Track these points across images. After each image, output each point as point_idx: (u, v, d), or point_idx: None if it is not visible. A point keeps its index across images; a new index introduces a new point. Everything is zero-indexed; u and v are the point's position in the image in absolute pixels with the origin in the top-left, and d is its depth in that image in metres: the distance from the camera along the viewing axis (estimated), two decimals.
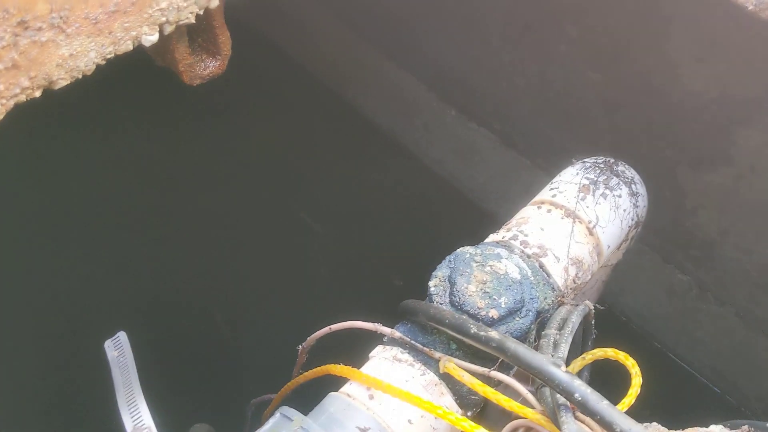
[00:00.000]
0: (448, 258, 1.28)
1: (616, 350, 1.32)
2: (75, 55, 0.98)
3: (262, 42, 2.97)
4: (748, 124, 2.33)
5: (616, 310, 3.11)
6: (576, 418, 1.04)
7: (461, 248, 1.29)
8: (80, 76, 1.01)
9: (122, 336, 1.20)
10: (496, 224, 3.07)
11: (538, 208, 1.42)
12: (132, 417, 1.11)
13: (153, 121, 2.26)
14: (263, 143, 2.51)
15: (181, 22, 1.07)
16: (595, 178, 1.44)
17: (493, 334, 1.09)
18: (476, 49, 2.95)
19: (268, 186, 2.55)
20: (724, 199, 2.59)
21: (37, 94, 0.98)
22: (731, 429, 1.23)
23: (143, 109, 2.19)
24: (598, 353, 1.33)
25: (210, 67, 1.28)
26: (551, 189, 1.46)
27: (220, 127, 2.30)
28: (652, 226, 2.71)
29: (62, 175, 2.15)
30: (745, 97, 2.25)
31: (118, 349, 1.18)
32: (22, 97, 0.96)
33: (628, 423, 0.95)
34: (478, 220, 3.23)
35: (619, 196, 1.44)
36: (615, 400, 1.20)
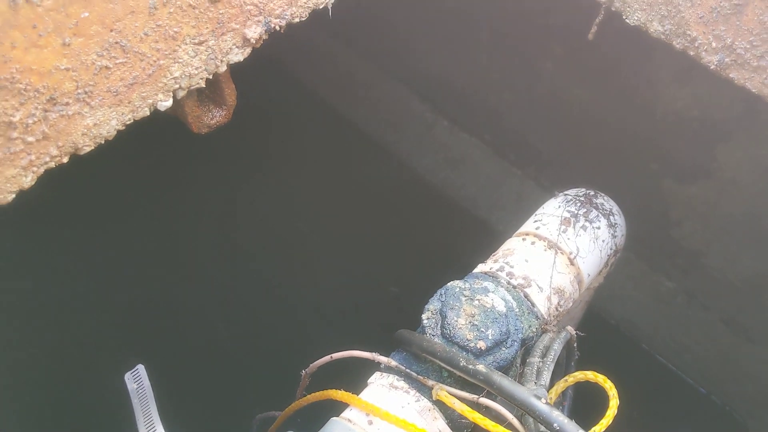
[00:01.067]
0: (439, 291, 1.38)
1: (596, 373, 1.43)
2: (98, 124, 1.08)
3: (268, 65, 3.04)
4: (728, 141, 2.43)
5: (605, 315, 3.21)
6: None
7: (451, 282, 1.39)
8: (103, 142, 1.11)
9: (141, 369, 1.30)
10: (487, 231, 3.15)
11: (523, 240, 1.53)
12: None
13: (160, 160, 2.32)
14: (263, 160, 2.59)
15: (192, 87, 1.17)
16: (576, 211, 1.54)
17: (481, 367, 1.20)
18: (467, 65, 3.05)
19: (265, 198, 2.63)
20: (707, 211, 2.70)
21: (65, 160, 1.08)
22: None
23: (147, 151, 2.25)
24: (579, 376, 1.45)
25: (217, 116, 1.38)
26: (535, 221, 1.56)
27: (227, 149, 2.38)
28: (640, 236, 2.83)
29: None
30: (724, 117, 2.35)
31: (137, 381, 1.29)
32: (52, 164, 1.07)
33: None
34: (470, 227, 3.33)
35: (598, 228, 1.54)
36: (601, 412, 1.31)
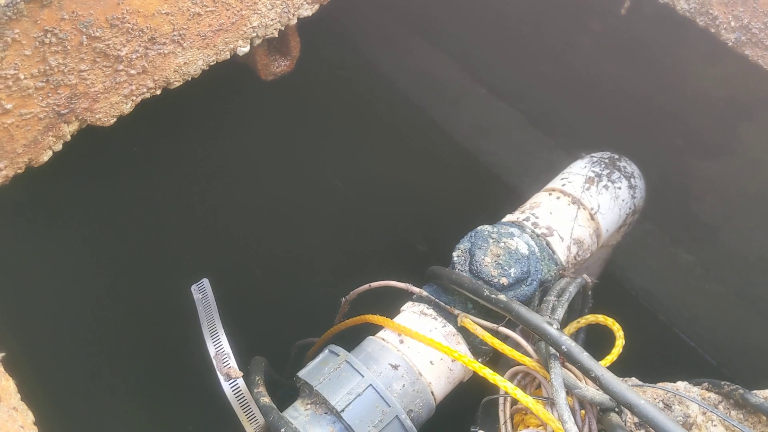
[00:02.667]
0: (469, 233, 1.55)
1: (606, 316, 1.59)
2: (188, 63, 1.26)
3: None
4: (751, 122, 2.53)
5: (625, 284, 3.34)
6: (563, 367, 1.32)
7: (481, 226, 1.56)
8: (189, 79, 1.29)
9: (205, 282, 1.49)
10: (517, 197, 3.30)
11: (549, 194, 1.69)
12: (214, 345, 1.41)
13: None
14: (306, 119, 2.74)
15: (267, 36, 1.34)
16: (600, 171, 1.70)
17: (502, 297, 1.37)
18: (507, 37, 3.16)
19: (307, 157, 2.79)
20: (727, 188, 2.81)
21: (158, 92, 1.26)
22: (694, 385, 1.50)
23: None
24: (591, 318, 1.61)
25: (282, 65, 1.55)
26: (561, 179, 1.72)
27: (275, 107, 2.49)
28: (662, 208, 2.97)
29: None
30: (749, 98, 2.45)
31: (202, 292, 1.48)
32: (147, 95, 1.25)
33: (601, 369, 1.23)
34: (502, 193, 3.46)
35: (619, 188, 1.69)
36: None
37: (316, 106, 2.69)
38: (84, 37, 1.11)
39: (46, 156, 1.18)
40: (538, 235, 1.60)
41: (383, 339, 1.48)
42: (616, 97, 2.91)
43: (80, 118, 1.18)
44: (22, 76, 1.08)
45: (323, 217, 2.82)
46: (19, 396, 0.95)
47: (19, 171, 1.16)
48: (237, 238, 2.36)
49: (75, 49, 1.11)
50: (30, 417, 0.93)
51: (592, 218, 1.65)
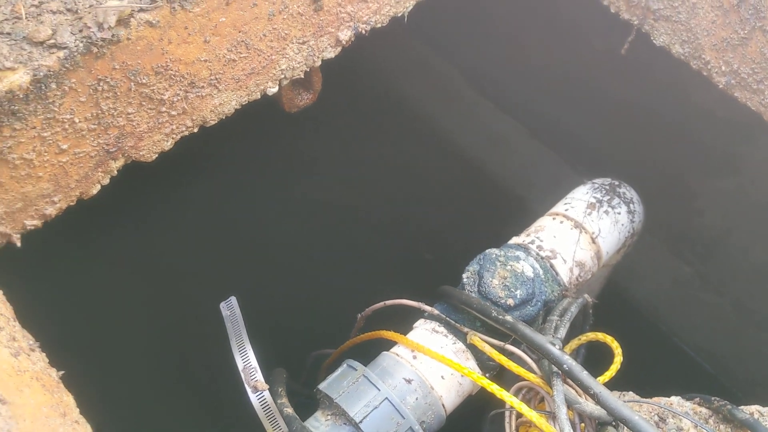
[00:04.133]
0: (478, 256, 1.66)
1: (605, 334, 1.70)
2: (223, 103, 1.38)
3: None
4: (751, 143, 2.64)
5: (627, 295, 3.45)
6: (565, 383, 1.43)
7: (489, 249, 1.67)
8: (223, 117, 1.41)
9: (233, 299, 1.61)
10: (523, 207, 3.39)
11: (553, 219, 1.80)
12: (242, 359, 1.53)
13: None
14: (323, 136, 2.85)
15: (294, 77, 1.46)
16: (601, 198, 1.81)
17: (508, 318, 1.48)
18: (511, 51, 3.26)
19: (319, 172, 2.91)
20: (727, 205, 2.92)
21: (195, 130, 1.38)
22: (687, 400, 1.61)
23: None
24: (591, 336, 1.73)
25: (305, 99, 1.67)
26: (565, 204, 1.83)
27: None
28: (665, 222, 3.07)
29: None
30: (749, 120, 2.56)
31: (230, 309, 1.60)
32: (185, 133, 1.37)
33: (599, 387, 1.34)
34: (508, 203, 3.57)
35: (619, 213, 1.80)
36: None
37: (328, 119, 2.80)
38: (132, 83, 1.23)
39: (95, 189, 1.30)
40: (542, 258, 1.71)
41: (397, 354, 1.59)
42: (622, 115, 3.01)
43: (126, 155, 1.30)
44: (77, 120, 1.20)
45: (337, 228, 2.94)
46: (78, 410, 1.07)
47: (71, 203, 1.28)
48: (259, 256, 2.49)
49: (124, 95, 1.23)
50: (89, 430, 1.04)
51: (594, 242, 1.76)
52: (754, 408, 1.50)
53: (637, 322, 3.46)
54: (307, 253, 2.68)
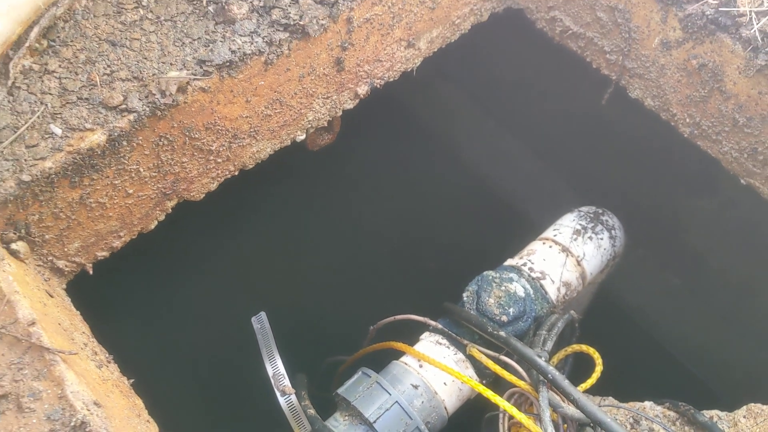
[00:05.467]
0: (476, 278, 1.90)
1: (588, 346, 1.94)
2: (259, 151, 1.62)
3: None
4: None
5: (621, 304, 3.67)
6: (550, 390, 1.67)
7: (486, 271, 1.91)
8: (259, 161, 1.65)
9: (263, 314, 1.85)
10: (523, 221, 3.60)
11: (543, 243, 2.03)
12: (272, 366, 1.77)
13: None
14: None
15: (318, 126, 1.70)
16: (585, 225, 2.04)
17: (502, 333, 1.72)
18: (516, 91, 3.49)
19: (332, 188, 3.15)
20: (710, 222, 3.14)
21: (236, 173, 1.62)
22: (658, 404, 1.84)
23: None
24: (576, 347, 1.96)
25: (326, 138, 1.91)
26: (554, 230, 2.07)
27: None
28: (654, 236, 3.31)
29: None
30: None
31: (260, 323, 1.84)
32: (228, 176, 1.61)
33: (578, 393, 1.58)
34: (509, 217, 3.79)
35: (602, 239, 2.04)
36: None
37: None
38: (187, 138, 1.47)
39: (153, 225, 1.55)
40: (533, 279, 1.95)
41: (406, 363, 1.83)
42: (616, 141, 3.23)
43: (179, 196, 1.55)
44: (142, 169, 1.45)
45: (351, 238, 3.18)
46: (147, 411, 1.32)
47: (133, 237, 1.53)
48: (284, 276, 2.75)
49: (180, 147, 1.48)
50: (157, 428, 1.29)
51: (579, 264, 2.00)
52: (713, 412, 1.73)
53: (629, 329, 3.67)
54: (326, 271, 2.93)
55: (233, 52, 1.44)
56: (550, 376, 1.62)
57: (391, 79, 1.77)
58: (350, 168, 2.81)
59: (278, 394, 1.74)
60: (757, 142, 1.57)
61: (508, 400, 1.74)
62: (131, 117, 1.38)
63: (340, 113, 1.72)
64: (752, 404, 1.68)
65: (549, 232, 2.07)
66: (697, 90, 1.62)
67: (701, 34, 1.54)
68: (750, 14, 1.46)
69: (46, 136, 1.35)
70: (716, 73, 1.56)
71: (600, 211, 2.11)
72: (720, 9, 1.50)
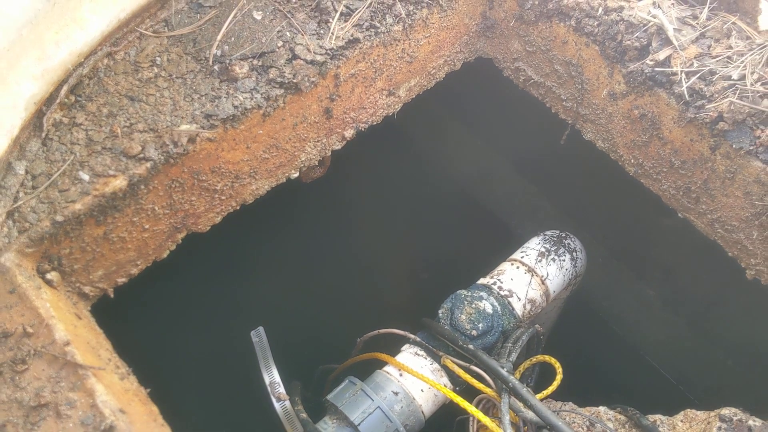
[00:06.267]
0: (450, 296, 2.14)
1: (549, 356, 2.17)
2: (258, 188, 1.86)
3: None
4: None
5: (600, 312, 3.91)
6: (511, 396, 1.90)
7: (459, 290, 2.15)
8: (258, 197, 1.88)
9: (261, 329, 2.09)
10: (507, 232, 3.83)
11: (511, 264, 2.27)
12: (268, 375, 2.01)
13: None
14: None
15: (310, 165, 1.94)
16: (549, 248, 2.28)
17: (470, 346, 1.96)
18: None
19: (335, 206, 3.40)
20: (677, 238, 3.38)
21: (237, 207, 1.86)
22: (611, 409, 2.08)
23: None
24: (540, 357, 2.20)
25: (317, 172, 2.14)
26: (521, 252, 2.30)
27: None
28: (628, 250, 3.54)
29: None
30: None
31: (258, 336, 2.07)
32: (230, 210, 1.85)
33: (534, 400, 1.81)
34: (494, 228, 4.03)
35: (564, 260, 2.28)
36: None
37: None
38: (195, 180, 1.71)
39: (165, 254, 1.78)
40: (502, 296, 2.19)
41: (388, 372, 2.07)
42: (592, 166, 3.46)
43: (188, 229, 1.78)
44: (156, 208, 1.68)
45: (349, 254, 3.41)
46: (161, 417, 1.55)
47: (148, 265, 1.77)
48: (282, 292, 3.01)
49: (189, 188, 1.71)
50: (170, 431, 1.53)
51: (543, 283, 2.24)
52: (657, 416, 1.97)
53: (607, 335, 3.91)
54: (321, 287, 3.17)
55: (236, 107, 1.68)
56: (510, 384, 1.86)
57: (374, 123, 2.01)
58: (341, 193, 3.06)
59: (274, 400, 1.98)
60: (690, 182, 1.81)
61: (477, 405, 1.98)
62: (148, 164, 1.61)
63: (329, 153, 1.96)
64: (688, 410, 1.91)
65: (517, 254, 2.31)
66: (639, 135, 1.85)
67: (642, 89, 1.78)
68: (681, 74, 1.70)
69: (76, 181, 1.58)
70: (655, 122, 1.80)
71: (563, 235, 2.35)
72: (656, 69, 1.73)
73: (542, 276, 2.24)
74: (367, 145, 2.16)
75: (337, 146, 1.96)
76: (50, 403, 1.36)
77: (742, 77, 1.65)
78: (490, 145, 3.99)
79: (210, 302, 2.88)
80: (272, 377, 2.01)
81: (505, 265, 2.29)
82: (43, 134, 1.63)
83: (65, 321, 1.48)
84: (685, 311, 3.64)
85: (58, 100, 1.66)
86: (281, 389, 1.99)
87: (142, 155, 1.62)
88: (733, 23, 1.76)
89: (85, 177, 1.59)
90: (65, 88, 1.67)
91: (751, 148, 1.63)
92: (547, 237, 2.33)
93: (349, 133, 1.94)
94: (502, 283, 2.22)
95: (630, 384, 3.79)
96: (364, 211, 3.31)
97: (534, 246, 2.31)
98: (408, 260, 3.61)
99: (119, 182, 1.59)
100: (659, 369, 3.81)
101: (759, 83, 1.63)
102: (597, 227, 3.67)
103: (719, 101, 1.64)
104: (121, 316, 1.83)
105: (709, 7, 1.81)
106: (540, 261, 2.25)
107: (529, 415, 1.87)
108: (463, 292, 2.15)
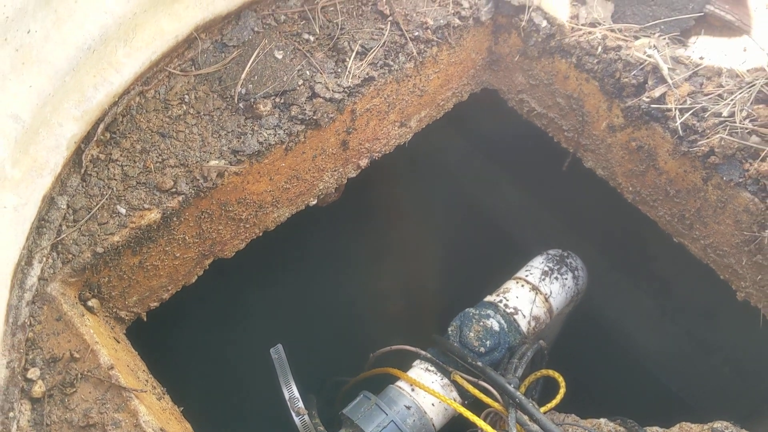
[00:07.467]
0: (459, 314, 2.26)
1: (553, 371, 2.29)
2: (279, 215, 1.98)
3: None
4: None
5: (601, 321, 4.02)
6: (517, 410, 2.03)
7: (467, 309, 2.27)
8: (279, 223, 2.01)
9: (280, 346, 2.21)
10: (511, 243, 3.94)
11: (516, 282, 2.39)
12: (287, 390, 2.13)
13: None
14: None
15: (327, 192, 2.06)
16: (552, 267, 2.40)
17: (479, 363, 2.08)
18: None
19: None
20: (675, 251, 3.50)
21: (260, 234, 1.98)
22: (611, 421, 2.20)
23: None
24: (544, 372, 2.32)
25: (332, 197, 2.26)
26: (525, 270, 2.43)
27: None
28: (628, 262, 3.66)
29: None
30: None
31: (278, 353, 2.19)
32: (254, 236, 1.97)
33: (539, 414, 1.94)
34: (499, 239, 4.14)
35: (566, 279, 2.40)
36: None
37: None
38: (223, 211, 1.83)
39: (194, 279, 1.91)
40: (507, 314, 2.31)
41: (400, 387, 2.19)
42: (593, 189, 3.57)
43: (216, 255, 1.91)
44: (187, 238, 1.81)
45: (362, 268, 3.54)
46: None
47: (177, 290, 1.89)
48: (300, 312, 3.15)
49: (217, 219, 1.84)
50: None
51: (546, 301, 2.36)
52: (654, 429, 2.09)
53: (607, 344, 4.02)
54: (337, 302, 3.31)
55: (260, 143, 1.80)
56: (517, 399, 1.98)
57: (387, 152, 2.13)
58: (356, 220, 3.21)
59: (294, 414, 2.10)
60: (684, 210, 1.93)
61: (485, 418, 2.10)
62: (180, 198, 1.74)
63: (345, 181, 2.08)
64: (683, 423, 2.03)
65: (522, 272, 2.44)
66: (636, 165, 1.98)
67: (639, 123, 1.91)
68: (675, 110, 1.83)
69: (114, 214, 1.71)
70: (651, 154, 1.92)
71: (565, 254, 2.47)
72: (652, 105, 1.86)
73: (546, 294, 2.36)
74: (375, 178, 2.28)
75: (353, 174, 2.09)
76: (98, 423, 1.48)
77: (732, 114, 1.77)
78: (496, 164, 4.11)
79: (225, 321, 3.02)
80: (291, 392, 2.13)
81: (511, 283, 2.41)
82: (83, 170, 1.76)
83: (107, 346, 1.60)
84: (682, 322, 3.76)
85: (95, 138, 1.79)
86: (300, 404, 2.12)
87: (174, 189, 1.74)
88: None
89: (122, 210, 1.71)
90: (101, 126, 1.80)
91: (741, 180, 1.75)
92: (550, 256, 2.45)
93: (364, 162, 2.07)
94: (507, 300, 2.34)
95: (630, 392, 3.90)
96: (377, 232, 3.45)
97: (537, 265, 2.43)
98: (419, 275, 3.72)
99: (154, 215, 1.71)
100: (658, 376, 3.92)
101: (747, 120, 1.75)
102: (596, 245, 3.78)
103: (711, 137, 1.77)
104: (152, 337, 1.96)
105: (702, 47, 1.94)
106: (543, 279, 2.37)
107: (534, 428, 1.99)
108: (471, 310, 2.27)
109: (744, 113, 1.76)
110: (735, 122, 1.76)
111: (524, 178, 3.98)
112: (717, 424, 1.92)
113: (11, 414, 1.45)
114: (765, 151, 1.73)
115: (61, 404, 1.49)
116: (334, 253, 3.46)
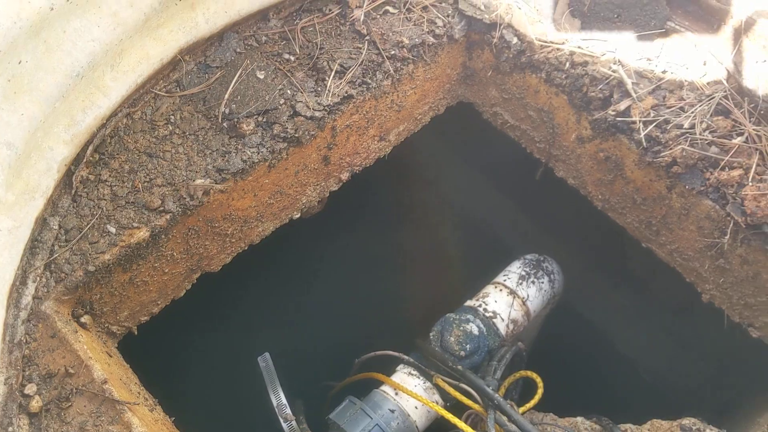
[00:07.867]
0: (441, 319, 2.34)
1: (531, 372, 2.38)
2: (264, 229, 2.06)
3: None
4: None
5: (582, 318, 4.13)
6: (495, 411, 2.11)
7: (448, 314, 2.35)
8: (264, 237, 2.08)
9: (267, 354, 2.28)
10: (501, 246, 4.04)
11: (495, 287, 2.48)
12: (275, 398, 2.20)
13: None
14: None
15: (310, 205, 2.14)
16: (529, 271, 2.50)
17: (459, 367, 2.17)
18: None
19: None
20: (650, 252, 3.61)
21: (246, 247, 2.05)
22: (588, 419, 2.29)
23: None
24: (522, 372, 2.41)
25: (316, 208, 2.34)
26: (503, 275, 2.52)
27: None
28: (607, 262, 3.76)
29: None
30: None
31: (265, 362, 2.27)
32: (239, 251, 2.04)
33: (516, 415, 2.02)
34: (489, 243, 4.24)
35: (543, 283, 2.49)
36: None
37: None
38: (209, 227, 1.90)
39: (182, 292, 1.98)
40: (487, 318, 2.40)
41: (384, 391, 2.27)
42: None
43: (203, 270, 1.98)
44: (175, 254, 1.88)
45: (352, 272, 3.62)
46: None
47: (167, 303, 1.96)
48: (285, 318, 3.22)
49: (204, 235, 1.91)
50: None
51: (524, 304, 2.45)
52: (627, 426, 2.18)
53: (589, 341, 4.12)
54: (322, 311, 3.39)
55: (244, 161, 1.88)
56: (495, 401, 2.07)
57: (367, 166, 2.21)
58: (339, 230, 3.29)
59: (281, 420, 2.17)
60: (651, 217, 2.03)
61: (466, 419, 2.19)
62: (168, 216, 1.81)
63: (327, 194, 2.16)
64: (655, 420, 2.13)
65: (500, 277, 2.53)
66: (605, 175, 2.07)
67: (606, 134, 2.00)
68: (639, 123, 1.92)
69: (104, 234, 1.77)
70: (618, 164, 2.02)
71: (542, 258, 2.56)
72: (618, 118, 1.95)
73: (523, 297, 2.45)
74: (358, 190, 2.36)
75: (334, 187, 2.16)
76: None
77: (693, 126, 1.87)
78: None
79: (214, 329, 3.10)
80: (279, 399, 2.21)
81: (489, 288, 2.50)
82: (73, 191, 1.82)
83: (100, 360, 1.67)
84: (659, 319, 3.87)
85: (84, 160, 1.85)
86: (287, 410, 2.19)
87: (162, 208, 1.81)
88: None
89: (113, 230, 1.78)
90: (90, 148, 1.86)
91: (702, 188, 1.85)
92: (527, 261, 2.54)
93: (344, 176, 2.15)
94: (486, 305, 2.43)
95: (612, 385, 3.99)
96: (360, 240, 3.53)
97: (515, 269, 2.52)
98: (402, 281, 3.80)
99: (143, 233, 1.78)
100: (638, 371, 4.03)
101: (707, 131, 1.85)
102: (572, 246, 3.88)
103: (673, 147, 1.86)
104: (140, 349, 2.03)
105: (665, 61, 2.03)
106: (521, 284, 2.46)
107: (512, 428, 2.08)
108: (452, 315, 2.35)
109: (704, 125, 1.86)
110: (695, 134, 1.86)
111: (502, 186, 4.08)
112: (685, 421, 2.02)
113: (10, 429, 1.52)
114: (724, 161, 1.83)
115: (57, 418, 1.56)
116: (319, 262, 3.55)
